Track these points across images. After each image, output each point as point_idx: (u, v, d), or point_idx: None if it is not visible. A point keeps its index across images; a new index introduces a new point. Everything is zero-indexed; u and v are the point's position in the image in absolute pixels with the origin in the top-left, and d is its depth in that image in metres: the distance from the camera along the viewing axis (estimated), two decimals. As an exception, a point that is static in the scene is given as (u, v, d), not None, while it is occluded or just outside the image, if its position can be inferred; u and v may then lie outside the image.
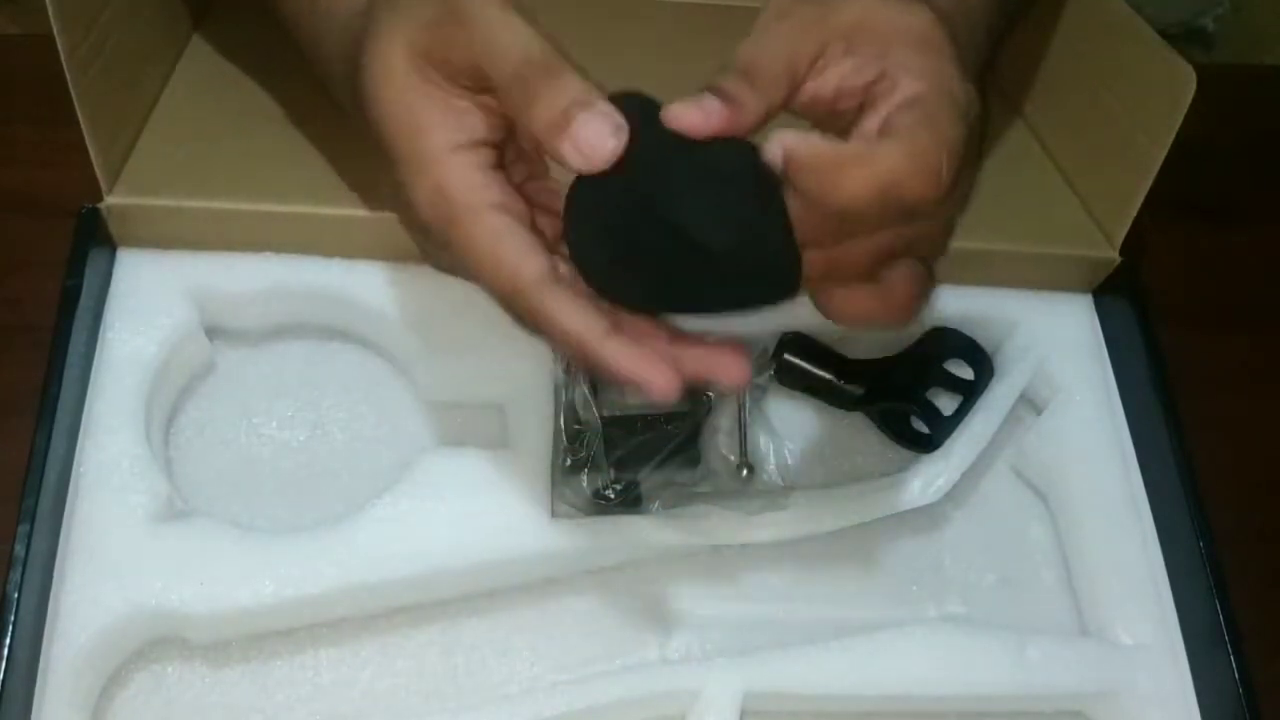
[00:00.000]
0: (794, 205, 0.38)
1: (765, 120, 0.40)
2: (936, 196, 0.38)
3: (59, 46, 0.45)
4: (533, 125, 0.38)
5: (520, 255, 0.39)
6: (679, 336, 0.41)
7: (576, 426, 0.49)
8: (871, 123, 0.40)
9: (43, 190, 0.57)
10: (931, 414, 0.54)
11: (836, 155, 0.38)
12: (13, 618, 0.42)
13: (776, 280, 0.40)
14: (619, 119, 0.38)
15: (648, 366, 0.37)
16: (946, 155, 0.38)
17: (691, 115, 0.38)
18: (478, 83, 0.40)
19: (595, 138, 0.37)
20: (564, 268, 0.40)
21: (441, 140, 0.40)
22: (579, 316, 0.38)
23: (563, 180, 0.41)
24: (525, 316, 0.39)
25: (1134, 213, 0.54)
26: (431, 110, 0.40)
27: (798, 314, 0.47)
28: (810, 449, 0.55)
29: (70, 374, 0.48)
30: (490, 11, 0.39)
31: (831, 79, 0.41)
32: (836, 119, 0.42)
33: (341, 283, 0.53)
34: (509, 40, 0.39)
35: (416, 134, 0.40)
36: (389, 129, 0.40)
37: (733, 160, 0.39)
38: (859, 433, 0.55)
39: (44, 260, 0.50)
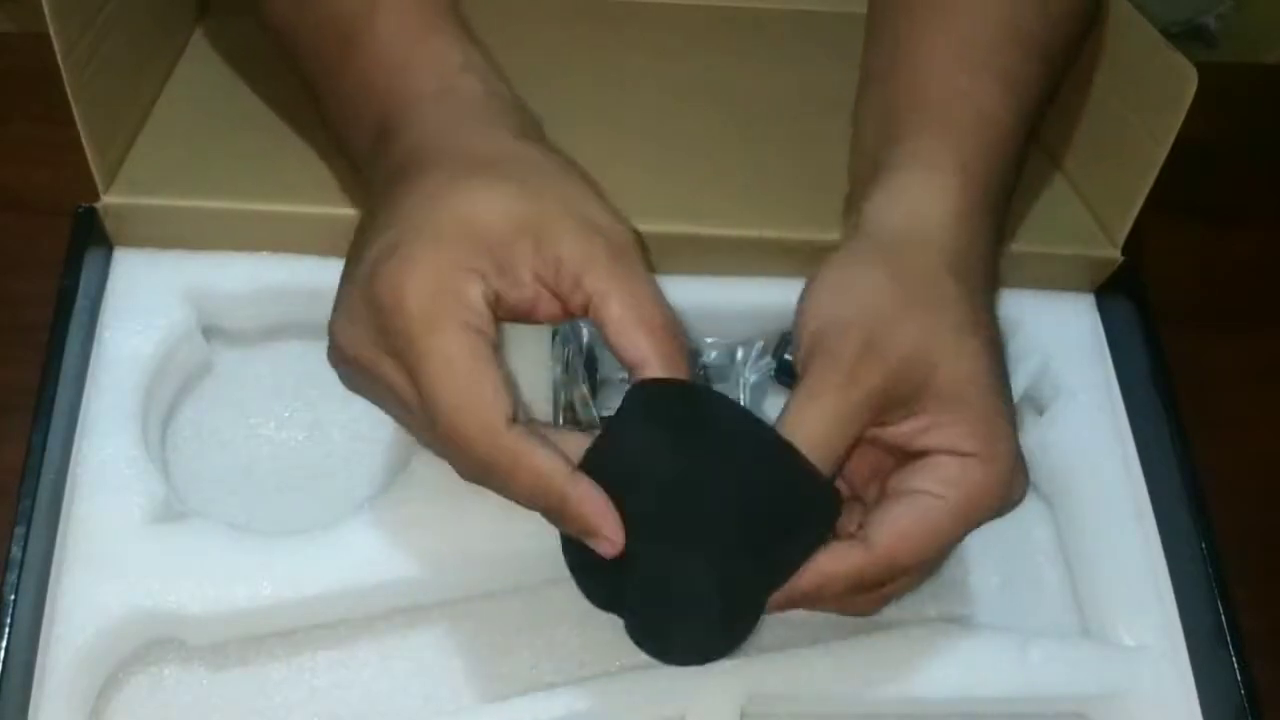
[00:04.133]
0: None
1: None
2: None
3: (55, 46, 0.45)
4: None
5: (497, 389, 0.39)
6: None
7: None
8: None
9: (39, 189, 0.57)
10: (932, 414, 0.54)
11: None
12: (9, 619, 0.42)
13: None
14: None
15: (607, 516, 0.39)
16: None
17: None
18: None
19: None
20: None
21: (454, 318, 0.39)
22: (548, 456, 0.39)
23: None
24: (490, 457, 0.39)
25: (1136, 212, 0.54)
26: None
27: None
28: (811, 449, 0.55)
29: (66, 374, 0.47)
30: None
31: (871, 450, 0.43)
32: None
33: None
34: None
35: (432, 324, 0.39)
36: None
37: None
38: (860, 433, 0.55)
39: (40, 260, 0.50)
